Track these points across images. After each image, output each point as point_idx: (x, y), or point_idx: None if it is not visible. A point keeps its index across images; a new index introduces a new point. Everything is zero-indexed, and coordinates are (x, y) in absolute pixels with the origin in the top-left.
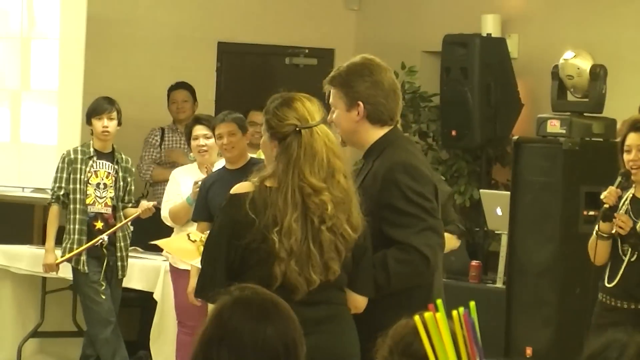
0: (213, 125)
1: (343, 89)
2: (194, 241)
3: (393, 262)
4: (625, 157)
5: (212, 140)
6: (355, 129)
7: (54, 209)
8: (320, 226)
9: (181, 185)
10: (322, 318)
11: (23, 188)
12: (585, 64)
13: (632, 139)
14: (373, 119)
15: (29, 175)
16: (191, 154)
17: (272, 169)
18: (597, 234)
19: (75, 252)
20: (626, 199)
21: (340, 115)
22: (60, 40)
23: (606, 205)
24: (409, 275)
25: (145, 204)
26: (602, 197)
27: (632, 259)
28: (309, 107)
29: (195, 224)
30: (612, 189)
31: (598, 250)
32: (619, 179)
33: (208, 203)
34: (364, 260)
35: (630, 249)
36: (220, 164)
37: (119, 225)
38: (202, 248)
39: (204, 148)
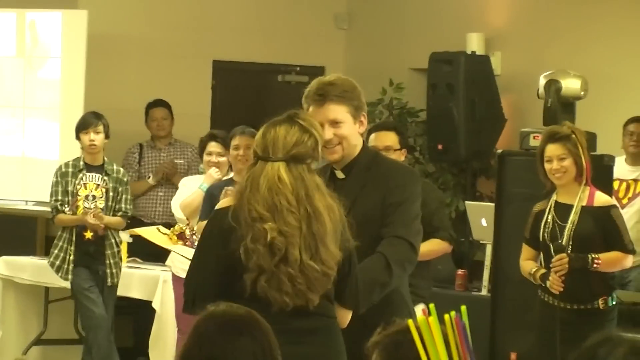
0: (231, 135)
1: (353, 103)
2: (165, 233)
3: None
4: (547, 166)
5: (224, 158)
6: (358, 142)
7: (59, 218)
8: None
9: (190, 191)
10: (311, 329)
11: (26, 201)
12: (567, 81)
13: (551, 150)
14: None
15: (32, 189)
16: (201, 165)
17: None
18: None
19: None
20: (550, 207)
21: (350, 128)
22: (62, 59)
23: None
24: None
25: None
26: (548, 285)
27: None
28: (280, 140)
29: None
30: (553, 277)
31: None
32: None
33: (212, 208)
34: (348, 278)
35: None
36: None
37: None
38: (173, 237)
39: (217, 165)
